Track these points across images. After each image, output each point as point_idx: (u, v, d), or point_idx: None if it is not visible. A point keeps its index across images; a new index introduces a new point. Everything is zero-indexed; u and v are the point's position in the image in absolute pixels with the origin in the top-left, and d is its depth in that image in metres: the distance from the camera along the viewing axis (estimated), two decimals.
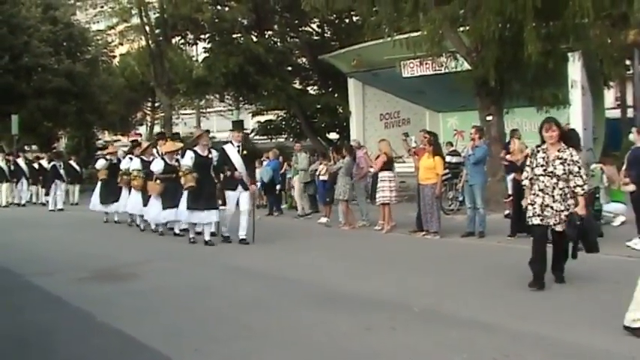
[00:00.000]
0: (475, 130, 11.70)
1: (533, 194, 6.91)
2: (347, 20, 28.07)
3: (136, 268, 8.85)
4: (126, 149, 16.60)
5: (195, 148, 11.24)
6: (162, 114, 34.96)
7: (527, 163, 7.19)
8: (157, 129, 39.56)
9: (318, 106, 27.97)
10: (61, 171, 20.22)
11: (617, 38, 14.62)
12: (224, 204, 11.36)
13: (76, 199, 21.60)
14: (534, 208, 6.87)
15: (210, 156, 11.27)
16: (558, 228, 6.79)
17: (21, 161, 22.32)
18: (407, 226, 12.45)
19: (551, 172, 6.76)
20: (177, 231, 12.39)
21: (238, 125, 12.19)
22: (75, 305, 6.64)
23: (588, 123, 17.72)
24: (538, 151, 6.98)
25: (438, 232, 11.40)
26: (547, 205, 6.78)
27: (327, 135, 29.59)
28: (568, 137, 9.62)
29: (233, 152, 11.10)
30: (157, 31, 28.93)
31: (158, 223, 12.59)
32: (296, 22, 28.19)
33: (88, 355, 5.14)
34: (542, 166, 6.83)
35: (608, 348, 4.89)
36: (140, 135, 35.40)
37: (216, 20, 26.69)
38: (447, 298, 6.60)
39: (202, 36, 28.70)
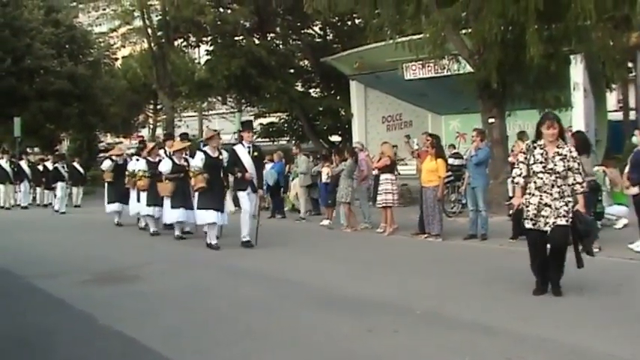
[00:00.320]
0: (477, 133, 11.70)
1: (529, 193, 6.63)
2: (349, 23, 28.09)
3: (137, 270, 8.85)
4: (131, 151, 16.56)
5: (205, 149, 11.09)
6: (165, 116, 35.02)
7: (521, 159, 6.80)
8: (159, 131, 39.67)
9: (321, 109, 27.98)
10: (64, 173, 20.15)
11: (619, 40, 14.63)
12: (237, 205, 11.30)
13: (79, 201, 21.62)
14: (528, 211, 6.58)
15: (220, 157, 11.17)
16: (559, 221, 6.42)
17: (23, 163, 22.32)
18: (409, 228, 12.44)
19: (551, 168, 6.49)
20: (178, 233, 12.32)
21: (248, 125, 12.12)
22: (77, 307, 6.64)
23: (590, 125, 17.68)
24: (535, 147, 6.66)
25: (440, 234, 11.39)
26: (545, 204, 6.49)
27: (329, 137, 29.59)
28: (578, 140, 9.69)
29: (244, 153, 10.97)
30: (159, 33, 29.01)
31: (171, 222, 12.50)
32: (298, 24, 28.21)
33: (89, 357, 5.14)
34: (541, 162, 6.54)
35: (610, 351, 4.87)
36: (142, 137, 35.45)
37: (219, 23, 26.70)
38: (449, 301, 6.59)
39: (204, 38, 28.72)
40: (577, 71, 16.49)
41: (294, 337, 5.43)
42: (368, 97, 24.81)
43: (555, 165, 6.48)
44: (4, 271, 8.99)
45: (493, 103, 14.79)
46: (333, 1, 15.63)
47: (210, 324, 5.93)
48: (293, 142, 28.02)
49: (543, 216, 6.51)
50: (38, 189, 22.27)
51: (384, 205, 12.58)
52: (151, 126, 41.65)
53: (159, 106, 38.72)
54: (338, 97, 27.64)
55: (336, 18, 26.96)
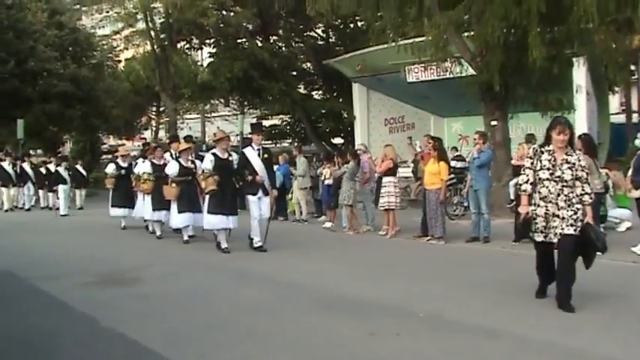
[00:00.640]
0: (479, 136, 11.69)
1: (534, 204, 6.31)
2: (352, 25, 28.15)
3: (140, 273, 8.85)
4: (133, 153, 16.44)
5: (215, 151, 10.89)
6: (167, 118, 35.07)
7: (528, 165, 6.44)
8: (161, 133, 39.73)
9: (323, 111, 28.05)
10: (65, 175, 20.10)
11: (622, 43, 14.66)
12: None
13: (81, 204, 21.64)
14: (536, 223, 6.28)
15: (230, 159, 10.96)
16: (567, 230, 6.11)
17: (26, 166, 22.33)
18: (411, 231, 12.44)
19: (559, 176, 6.17)
20: (186, 237, 12.13)
21: (258, 127, 11.87)
22: (79, 309, 6.64)
23: (593, 128, 17.67)
24: (542, 152, 6.33)
25: (442, 237, 11.38)
26: (553, 215, 6.17)
27: (331, 140, 29.63)
28: (585, 142, 9.68)
29: (253, 156, 10.78)
30: (162, 35, 29.04)
31: (177, 227, 12.29)
32: (301, 27, 28.27)
33: (91, 359, 5.15)
34: (548, 169, 6.22)
35: (614, 354, 4.87)
36: (145, 139, 35.47)
37: (221, 25, 26.76)
38: (452, 304, 6.58)
39: (207, 41, 28.81)
40: (579, 74, 16.50)
41: (295, 340, 5.43)
42: (370, 99, 24.82)
43: (563, 173, 6.18)
44: (7, 272, 9.00)
45: (495, 106, 14.80)
46: (336, 3, 15.65)
47: (212, 326, 5.93)
48: (295, 144, 28.08)
49: (553, 227, 6.19)
50: (41, 191, 22.26)
51: (386, 207, 12.57)
52: (154, 128, 41.70)
53: (161, 109, 38.79)
54: (340, 100, 27.70)
55: (339, 20, 27.05)
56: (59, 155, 26.09)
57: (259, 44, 27.21)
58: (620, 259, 8.81)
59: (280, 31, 29.24)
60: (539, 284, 6.64)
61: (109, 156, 38.48)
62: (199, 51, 32.83)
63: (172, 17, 27.49)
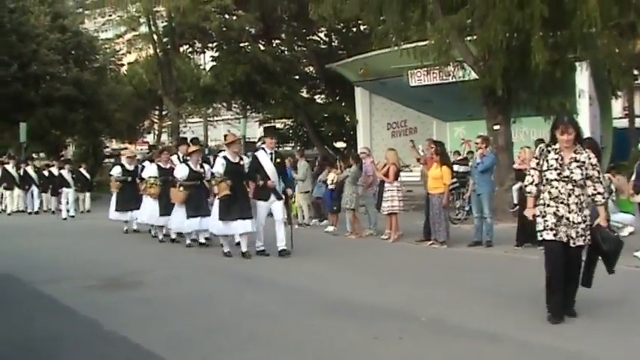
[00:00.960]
0: (482, 140, 11.68)
1: (543, 204, 5.88)
2: (354, 29, 28.18)
3: (142, 276, 8.86)
4: (138, 157, 16.29)
5: (226, 155, 10.54)
6: (170, 122, 35.12)
7: (533, 165, 6.06)
8: (164, 137, 39.77)
9: (325, 115, 28.06)
10: (69, 178, 20.06)
11: (624, 48, 14.66)
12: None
13: (87, 207, 21.59)
14: (546, 221, 5.82)
15: (241, 162, 10.68)
16: (578, 242, 5.79)
17: (30, 169, 22.33)
18: (414, 235, 12.42)
19: (567, 176, 5.76)
20: (202, 240, 11.90)
21: (271, 131, 11.60)
22: (82, 313, 6.65)
23: (596, 133, 17.66)
24: (549, 152, 5.92)
25: (446, 241, 11.37)
26: (562, 217, 5.77)
27: (334, 144, 29.63)
28: (590, 146, 9.63)
29: (266, 160, 10.48)
30: (164, 39, 29.10)
31: (182, 232, 12.06)
32: (303, 30, 28.30)
33: None
34: (555, 169, 5.81)
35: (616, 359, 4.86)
36: (147, 143, 35.52)
37: (224, 29, 26.81)
38: (455, 308, 6.58)
39: (210, 44, 28.87)
40: (582, 78, 16.50)
41: (297, 344, 5.42)
42: (373, 103, 24.86)
43: (572, 172, 5.77)
44: (10, 276, 9.00)
45: (498, 110, 14.79)
46: (339, 7, 15.70)
47: (214, 330, 5.93)
48: (298, 148, 28.08)
49: (561, 230, 5.79)
50: (44, 195, 22.24)
51: (389, 212, 12.56)
52: (157, 132, 41.73)
53: (164, 112, 38.82)
54: (343, 104, 27.74)
55: (342, 24, 27.07)
56: (62, 158, 26.09)
57: (262, 48, 27.25)
58: (622, 264, 8.69)
59: (283, 35, 29.27)
60: (552, 302, 5.89)
61: (112, 160, 38.60)
62: (202, 55, 32.91)
63: (175, 21, 27.55)
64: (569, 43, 13.28)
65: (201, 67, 35.62)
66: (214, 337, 5.69)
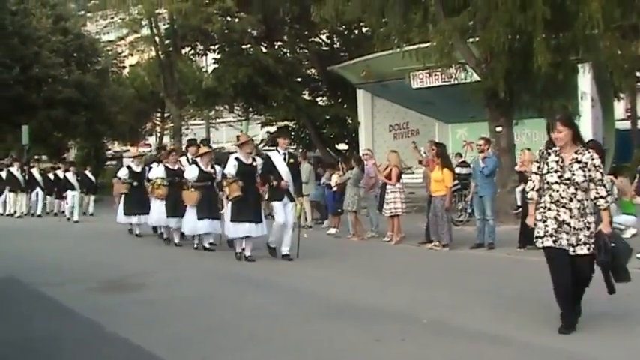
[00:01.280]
0: (484, 142, 11.67)
1: (544, 208, 5.58)
2: (356, 31, 28.14)
3: (144, 278, 8.86)
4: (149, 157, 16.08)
5: (238, 156, 10.46)
6: (172, 124, 35.07)
7: (534, 169, 5.81)
8: (166, 139, 39.77)
9: (328, 117, 28.02)
10: (74, 181, 19.96)
11: (627, 49, 14.62)
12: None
13: (91, 210, 21.44)
14: (546, 226, 5.52)
15: (254, 164, 10.57)
16: (580, 250, 5.45)
17: (35, 172, 22.27)
18: (416, 237, 12.41)
19: (569, 179, 5.44)
20: (206, 244, 11.73)
21: (284, 131, 11.56)
22: (83, 315, 6.65)
23: (598, 135, 17.64)
24: (549, 154, 5.66)
25: (448, 244, 11.35)
26: (563, 222, 5.45)
27: (336, 146, 29.60)
28: (593, 148, 9.60)
29: (279, 161, 10.38)
30: (166, 42, 29.08)
31: (195, 235, 11.84)
32: (305, 33, 28.26)
33: None
34: (556, 172, 5.51)
35: None
36: (150, 145, 35.51)
37: (226, 31, 26.77)
38: (456, 310, 6.57)
39: (212, 47, 28.80)
40: (585, 80, 16.49)
41: (298, 345, 5.42)
42: (375, 105, 24.82)
43: (573, 175, 5.45)
44: (12, 278, 9.01)
45: (500, 112, 14.76)
46: (341, 9, 15.67)
47: (214, 330, 5.94)
48: (300, 150, 28.07)
49: (561, 236, 5.47)
50: (49, 197, 22.20)
51: (391, 214, 12.55)
52: (159, 134, 41.75)
53: (166, 115, 38.80)
54: (345, 106, 27.68)
55: (344, 27, 27.04)
56: (67, 161, 26.09)
57: (264, 50, 27.23)
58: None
59: (285, 37, 29.24)
60: (564, 315, 5.62)
61: (114, 162, 38.61)
62: (204, 57, 32.84)
63: (177, 23, 27.54)
64: (571, 45, 13.26)
65: (203, 70, 35.58)
66: (214, 337, 5.70)
